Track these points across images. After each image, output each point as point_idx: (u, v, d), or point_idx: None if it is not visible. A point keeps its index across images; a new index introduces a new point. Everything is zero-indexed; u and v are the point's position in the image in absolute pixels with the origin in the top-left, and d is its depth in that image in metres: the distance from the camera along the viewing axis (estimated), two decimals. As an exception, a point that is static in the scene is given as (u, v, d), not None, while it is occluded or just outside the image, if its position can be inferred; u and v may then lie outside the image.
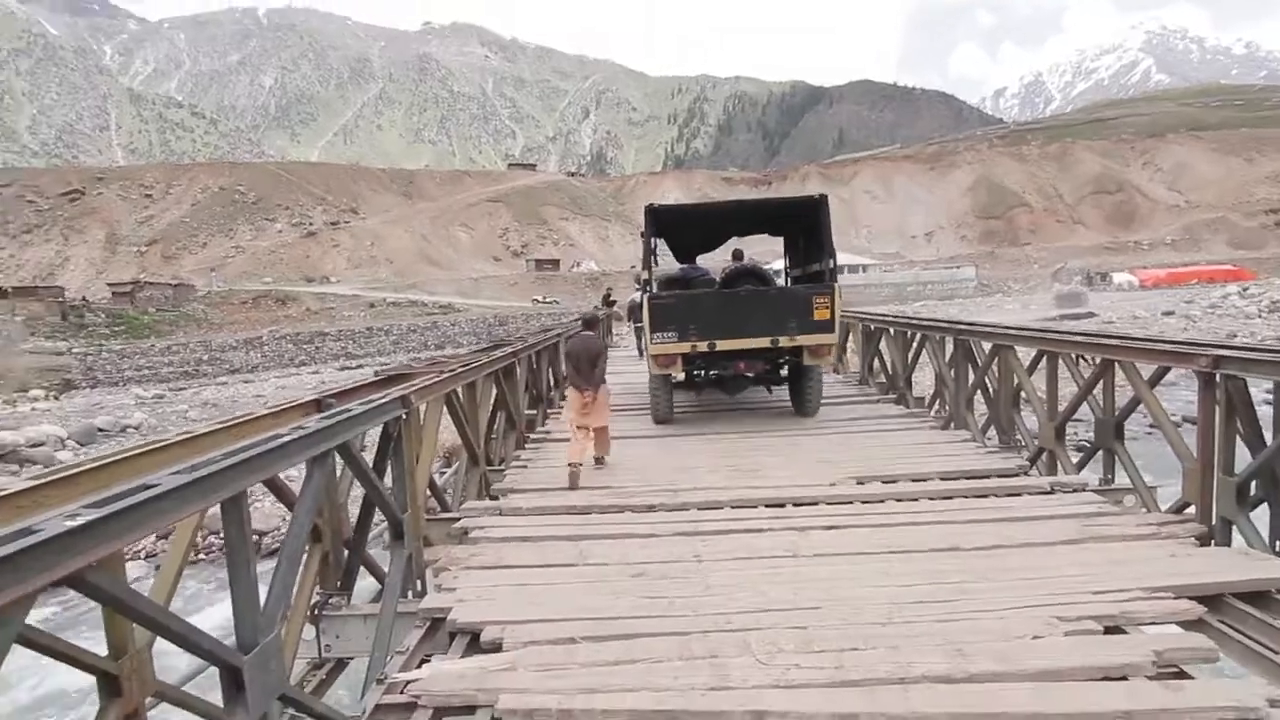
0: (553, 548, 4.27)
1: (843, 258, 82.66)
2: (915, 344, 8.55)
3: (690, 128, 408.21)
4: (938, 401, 8.28)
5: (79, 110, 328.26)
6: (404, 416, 3.90)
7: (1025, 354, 6.26)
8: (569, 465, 5.71)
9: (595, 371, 6.37)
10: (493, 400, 6.69)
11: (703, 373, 8.58)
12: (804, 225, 9.02)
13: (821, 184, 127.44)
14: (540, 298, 71.14)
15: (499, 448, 7.01)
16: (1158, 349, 4.53)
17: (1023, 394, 6.26)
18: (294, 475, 3.06)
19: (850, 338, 11.64)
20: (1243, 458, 3.83)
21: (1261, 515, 3.73)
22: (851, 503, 5.01)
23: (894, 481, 5.43)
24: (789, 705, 2.49)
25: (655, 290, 8.38)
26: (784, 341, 7.71)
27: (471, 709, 2.71)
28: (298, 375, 42.34)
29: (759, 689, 2.61)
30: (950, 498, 5.02)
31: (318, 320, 64.82)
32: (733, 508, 4.96)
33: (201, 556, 11.43)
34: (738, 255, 9.51)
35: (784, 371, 8.59)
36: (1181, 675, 2.61)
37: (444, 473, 7.31)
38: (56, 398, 38.53)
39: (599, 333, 7.86)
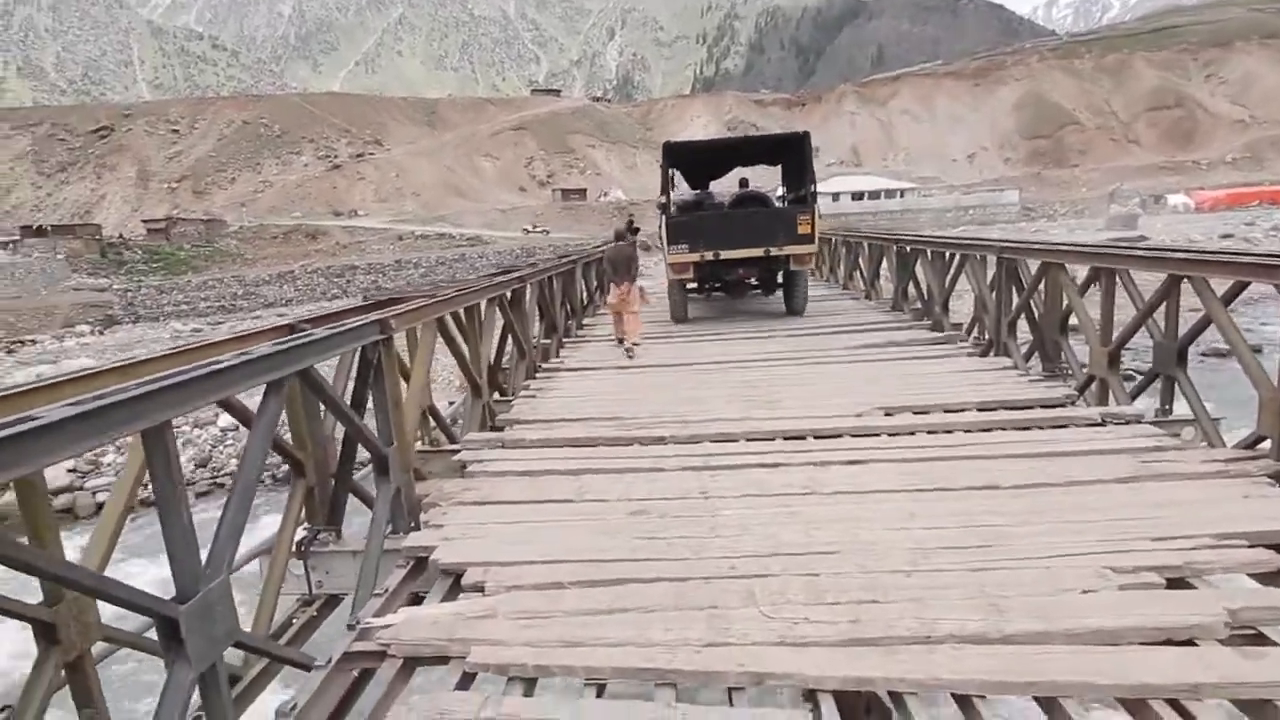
0: (551, 483, 3.98)
1: (877, 182, 79.87)
2: (954, 266, 7.94)
3: (720, 47, 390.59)
4: (976, 327, 7.73)
5: (102, 45, 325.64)
6: (382, 342, 3.56)
7: (1073, 276, 5.71)
8: (619, 342, 8.11)
9: (629, 270, 8.38)
10: (500, 328, 6.36)
11: (710, 285, 10.78)
12: (793, 157, 10.54)
13: (859, 104, 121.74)
14: (530, 227, 70.29)
15: (513, 377, 6.73)
16: (1237, 262, 3.95)
17: (1071, 319, 5.75)
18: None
19: (885, 262, 11.05)
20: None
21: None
22: (878, 435, 4.61)
23: (925, 412, 5.01)
24: (794, 666, 2.18)
25: (673, 213, 9.99)
26: (774, 250, 9.33)
27: (444, 659, 2.46)
28: (329, 308, 42.66)
29: (761, 646, 2.30)
30: (988, 429, 4.59)
31: (347, 254, 65.08)
32: (747, 440, 4.61)
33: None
34: (743, 183, 11.63)
35: (778, 279, 10.45)
36: (1260, 639, 2.22)
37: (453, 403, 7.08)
38: (100, 333, 39.65)
39: (630, 242, 9.10)
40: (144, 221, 71.26)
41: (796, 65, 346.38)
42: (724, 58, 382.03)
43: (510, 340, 6.67)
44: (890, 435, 4.59)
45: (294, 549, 3.56)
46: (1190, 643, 2.21)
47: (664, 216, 10.03)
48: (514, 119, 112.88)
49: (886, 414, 4.99)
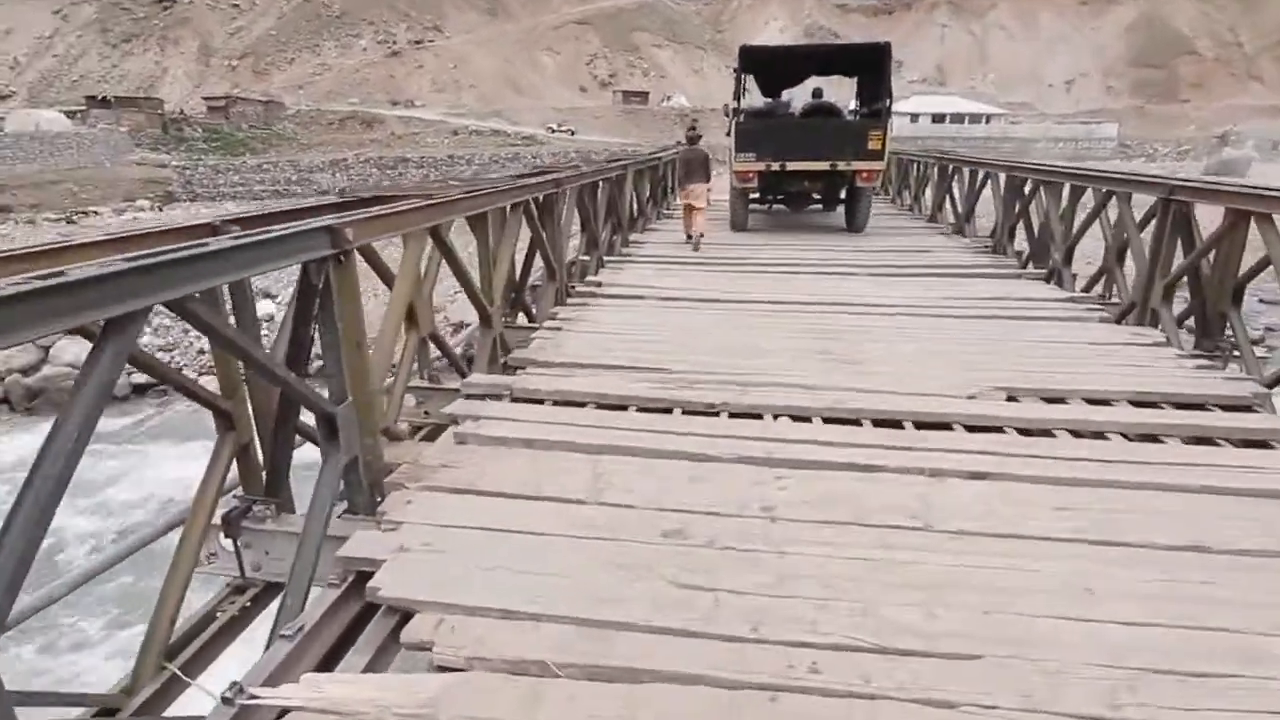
0: (560, 465, 2.96)
1: (962, 105, 74.07)
2: (1091, 206, 6.44)
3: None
4: (1105, 283, 6.32)
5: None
6: (331, 259, 2.51)
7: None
8: (687, 237, 8.80)
9: (704, 171, 8.92)
10: (525, 241, 5.26)
11: (773, 196, 10.68)
12: (870, 69, 10.06)
13: (950, 16, 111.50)
14: (554, 126, 66.94)
15: (542, 302, 5.68)
16: None
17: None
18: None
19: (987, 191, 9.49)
20: None
21: None
22: (1002, 430, 3.45)
23: (1060, 400, 3.80)
24: None
25: (742, 120, 9.74)
26: (841, 165, 9.13)
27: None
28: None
29: None
30: (1153, 437, 3.38)
31: (402, 145, 64.01)
32: (825, 421, 3.49)
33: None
34: (817, 93, 11.21)
35: (841, 195, 10.20)
36: None
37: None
38: (160, 209, 40.01)
39: (702, 145, 9.33)
40: (204, 99, 70.75)
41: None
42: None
43: (540, 256, 5.55)
44: (1020, 433, 3.41)
45: (221, 523, 2.73)
46: None
47: (733, 122, 9.71)
48: (578, 12, 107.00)
49: (1009, 398, 3.80)
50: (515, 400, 3.73)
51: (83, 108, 59.80)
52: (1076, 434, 3.41)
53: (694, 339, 4.75)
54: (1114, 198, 5.79)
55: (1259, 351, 4.71)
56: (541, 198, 5.35)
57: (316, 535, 2.52)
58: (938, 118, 68.52)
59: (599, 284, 6.24)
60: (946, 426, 3.45)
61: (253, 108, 67.07)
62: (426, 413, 4.18)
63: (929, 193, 12.21)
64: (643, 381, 3.90)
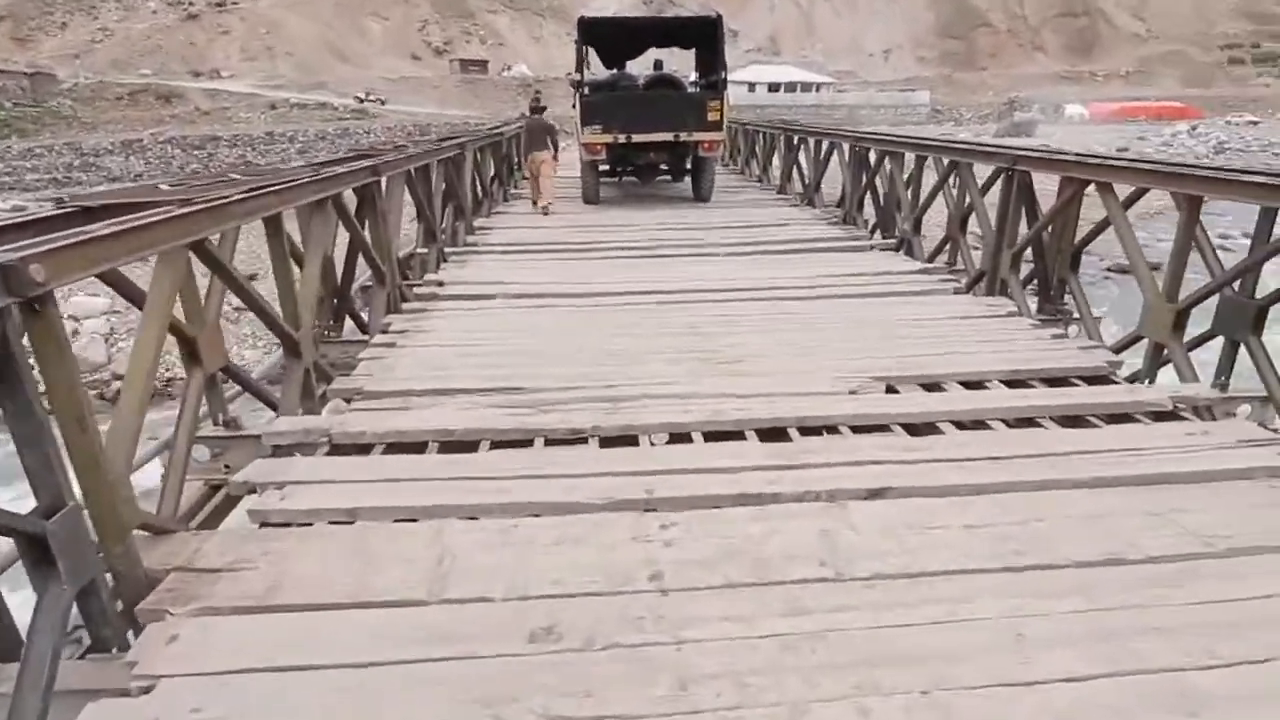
0: (393, 543, 2.32)
1: (795, 74, 77.83)
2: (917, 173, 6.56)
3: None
4: (951, 252, 6.44)
5: None
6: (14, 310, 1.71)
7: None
8: (536, 206, 9.35)
9: (547, 140, 9.57)
10: (346, 242, 4.42)
11: (622, 169, 10.58)
12: (705, 41, 10.11)
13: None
14: (361, 95, 64.38)
15: (373, 311, 4.84)
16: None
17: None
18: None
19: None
20: None
21: None
22: (889, 429, 3.21)
23: (937, 387, 3.65)
24: None
25: (587, 92, 9.74)
26: (684, 136, 9.33)
27: None
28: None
29: None
30: (1033, 422, 3.28)
31: (209, 122, 57.31)
32: (706, 439, 3.09)
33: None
34: (658, 65, 11.54)
35: (687, 165, 10.32)
36: None
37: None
38: (-110, 206, 33.07)
39: (547, 116, 9.78)
40: (-52, 71, 59.23)
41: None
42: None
43: (363, 258, 4.71)
44: (908, 430, 3.19)
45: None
46: None
47: (578, 95, 9.69)
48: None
49: (889, 389, 3.59)
50: (335, 450, 3.01)
51: None
52: (960, 425, 3.24)
53: (551, 344, 4.18)
54: (956, 167, 5.86)
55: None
56: (360, 187, 4.53)
57: (35, 703, 1.75)
58: (773, 87, 71.32)
59: (439, 284, 5.46)
60: (833, 429, 3.16)
61: (15, 81, 57.15)
62: (226, 467, 3.35)
63: (776, 162, 12.30)
64: (496, 407, 3.30)
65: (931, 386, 3.62)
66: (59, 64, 67.91)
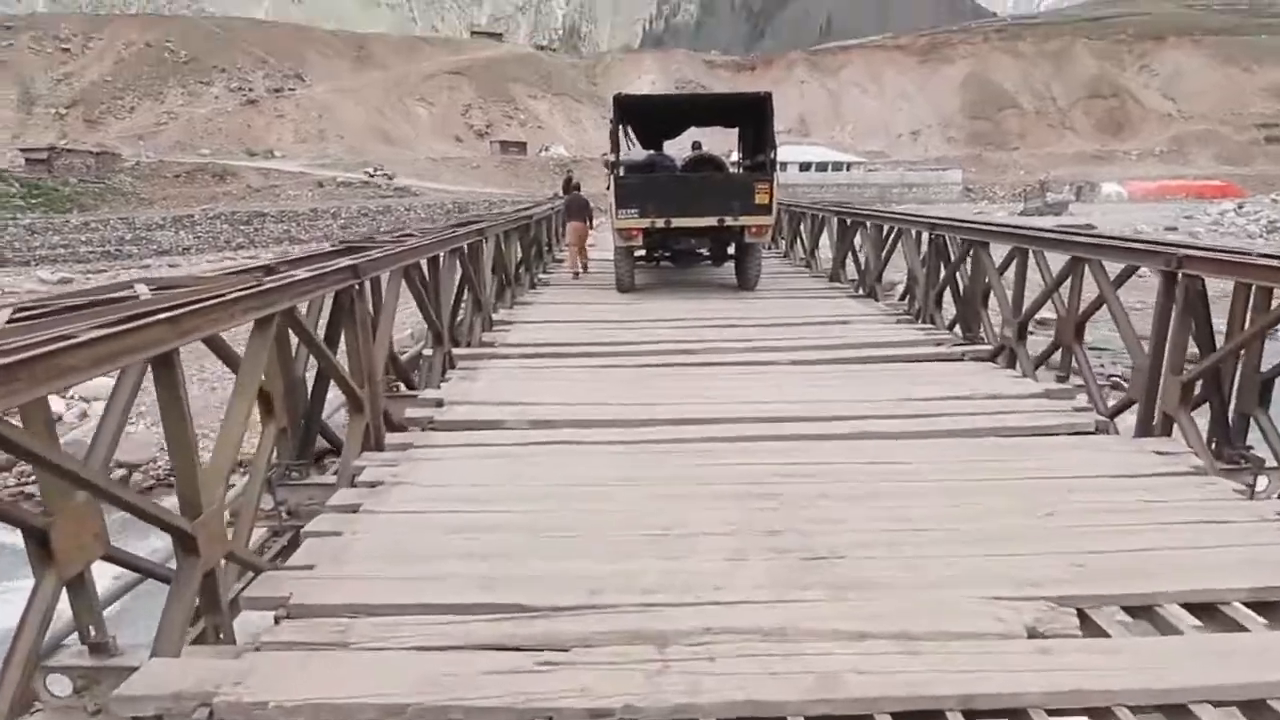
0: None
1: (826, 154, 79.06)
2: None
3: (670, 4, 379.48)
4: (1062, 365, 5.25)
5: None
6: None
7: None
8: (572, 273, 10.64)
9: (584, 214, 10.65)
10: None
11: (660, 254, 10.15)
12: (752, 120, 9.79)
13: (809, 73, 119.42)
14: (371, 171, 65.53)
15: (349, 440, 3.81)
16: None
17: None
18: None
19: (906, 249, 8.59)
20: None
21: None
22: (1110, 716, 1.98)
23: (1147, 612, 2.41)
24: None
25: (622, 174, 9.21)
26: (729, 221, 8.70)
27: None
28: (233, 259, 38.16)
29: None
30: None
31: (259, 199, 59.53)
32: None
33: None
34: (696, 146, 10.72)
35: (730, 249, 9.73)
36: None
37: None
38: (-49, 278, 34.07)
39: (582, 192, 10.42)
40: (22, 150, 62.71)
41: (747, 28, 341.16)
42: (674, 15, 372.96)
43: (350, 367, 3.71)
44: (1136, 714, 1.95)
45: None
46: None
47: (613, 177, 9.15)
48: (451, 62, 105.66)
49: (1080, 616, 2.36)
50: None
51: None
52: (1216, 704, 1.99)
53: (565, 515, 3.02)
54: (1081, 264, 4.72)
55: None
56: (357, 286, 3.57)
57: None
58: (804, 166, 72.01)
59: (438, 404, 4.41)
60: (1021, 715, 1.94)
61: (82, 159, 60.29)
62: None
63: (826, 246, 11.33)
64: (474, 649, 2.15)
65: (1137, 610, 2.39)
66: (124, 144, 71.80)
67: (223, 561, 2.40)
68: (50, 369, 1.73)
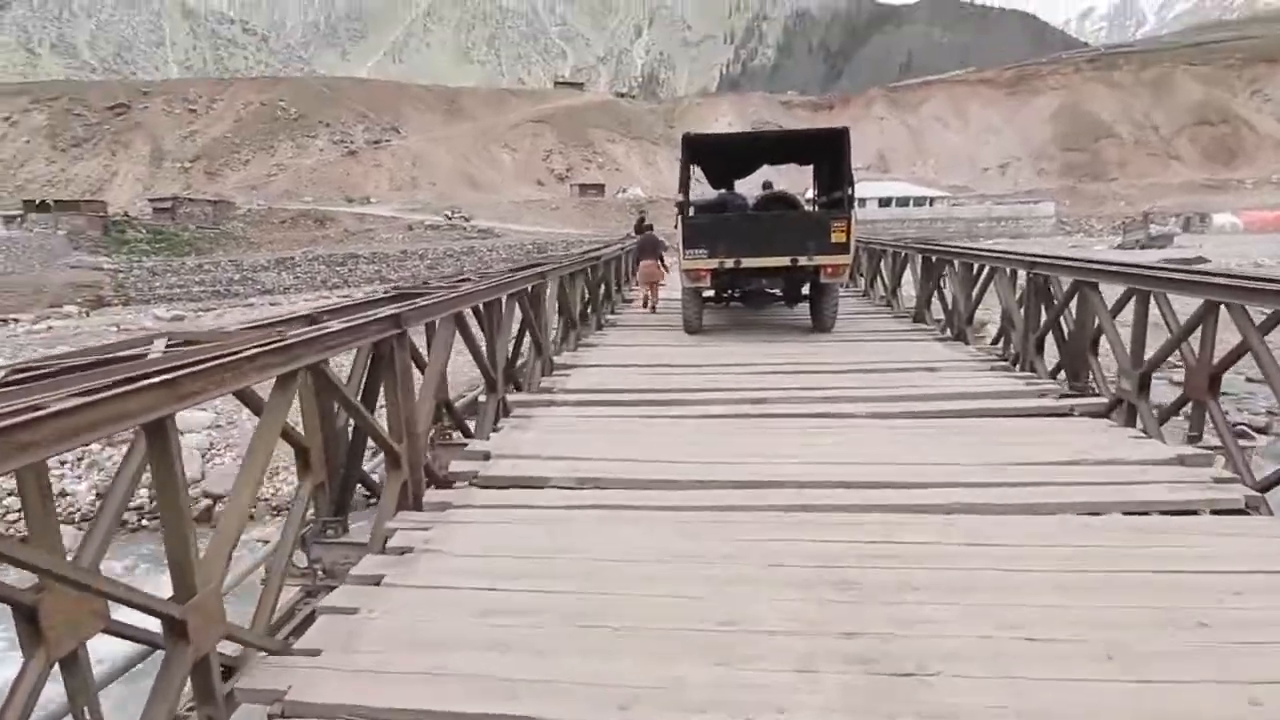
0: None
1: (907, 189, 77.01)
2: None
3: (747, 48, 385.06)
4: (1193, 424, 4.52)
5: (134, 25, 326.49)
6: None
7: None
8: (645, 308, 11.25)
9: (656, 252, 11.21)
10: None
11: (730, 294, 9.77)
12: (828, 156, 9.42)
13: (888, 109, 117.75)
14: (449, 213, 67.94)
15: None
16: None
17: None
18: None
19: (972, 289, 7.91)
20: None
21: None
22: None
23: None
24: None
25: (691, 214, 8.96)
26: (803, 261, 8.31)
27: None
28: (327, 298, 40.28)
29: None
30: None
31: (354, 241, 63.20)
32: None
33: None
34: (766, 185, 10.40)
35: (804, 289, 9.34)
36: None
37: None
38: (87, 314, 37.46)
39: (654, 232, 10.90)
40: (150, 200, 69.19)
41: (824, 69, 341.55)
42: (751, 59, 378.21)
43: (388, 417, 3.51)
44: None
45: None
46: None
47: (681, 217, 8.88)
48: (534, 111, 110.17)
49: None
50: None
51: (19, 213, 57.91)
52: None
53: (609, 607, 2.60)
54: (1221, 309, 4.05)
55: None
56: (397, 336, 3.39)
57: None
58: (884, 201, 70.22)
59: (485, 456, 4.13)
60: None
61: (200, 208, 65.90)
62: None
63: (909, 285, 10.67)
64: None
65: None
66: (239, 193, 78.02)
67: (218, 647, 2.16)
68: (8, 445, 1.53)
